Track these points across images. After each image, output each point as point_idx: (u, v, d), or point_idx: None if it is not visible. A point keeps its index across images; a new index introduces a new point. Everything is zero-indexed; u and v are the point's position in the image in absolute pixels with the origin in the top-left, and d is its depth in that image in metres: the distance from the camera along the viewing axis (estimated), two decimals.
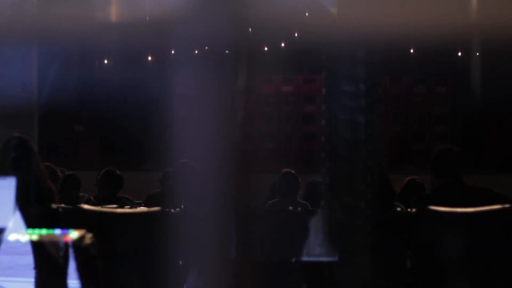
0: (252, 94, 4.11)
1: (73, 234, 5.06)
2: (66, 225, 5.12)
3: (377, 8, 3.92)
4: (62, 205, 5.47)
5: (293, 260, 5.58)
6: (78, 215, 5.32)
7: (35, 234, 5.07)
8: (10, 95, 11.07)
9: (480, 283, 4.90)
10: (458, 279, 4.87)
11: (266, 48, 12.54)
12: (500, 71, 11.43)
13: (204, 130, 3.99)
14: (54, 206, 5.33)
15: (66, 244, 5.17)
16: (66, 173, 7.60)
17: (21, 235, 5.08)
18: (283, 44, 12.64)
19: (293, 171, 6.97)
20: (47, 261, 5.23)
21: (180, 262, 5.29)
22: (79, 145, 13.79)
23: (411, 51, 12.68)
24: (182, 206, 5.10)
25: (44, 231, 5.08)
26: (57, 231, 5.08)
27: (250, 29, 4.11)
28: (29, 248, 5.23)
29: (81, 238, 5.06)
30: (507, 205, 4.95)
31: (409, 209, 5.36)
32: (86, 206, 5.55)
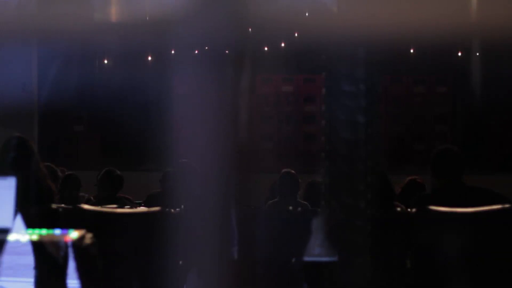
0: (252, 94, 4.11)
1: (73, 234, 5.06)
2: (66, 225, 5.12)
3: (377, 8, 3.92)
4: (62, 205, 5.47)
5: (293, 260, 5.58)
6: (78, 215, 5.32)
7: (35, 234, 5.07)
8: (10, 95, 11.07)
9: (480, 283, 4.90)
10: (458, 279, 4.87)
11: (266, 48, 12.54)
12: (500, 71, 11.43)
13: (204, 130, 3.99)
14: (54, 206, 5.33)
15: (66, 244, 5.17)
16: (66, 173, 7.61)
17: (21, 235, 5.08)
18: (283, 44, 12.64)
19: (293, 171, 6.97)
20: (47, 261, 5.23)
21: (180, 262, 5.29)
22: (79, 145, 13.80)
23: (411, 51, 12.68)
24: (182, 206, 5.10)
25: (44, 231, 5.08)
26: (57, 231, 5.08)
27: (250, 29, 4.11)
28: (29, 248, 5.23)
29: (81, 238, 5.06)
30: (507, 205, 4.95)
31: (409, 209, 5.36)
32: (86, 206, 5.55)
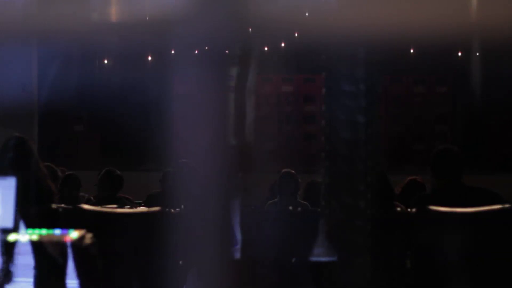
0: (252, 94, 4.11)
1: (73, 234, 5.05)
2: (66, 225, 5.11)
3: (377, 8, 3.92)
4: (62, 205, 5.47)
5: (293, 260, 5.58)
6: (78, 215, 5.32)
7: (35, 234, 5.07)
8: (10, 95, 11.06)
9: (480, 283, 4.90)
10: (458, 279, 4.87)
11: (266, 48, 12.53)
12: (500, 71, 11.42)
13: (204, 130, 3.99)
14: (54, 206, 5.32)
15: (66, 244, 5.17)
16: (66, 173, 7.60)
17: (21, 235, 5.08)
18: (283, 44, 12.64)
19: (293, 171, 6.97)
20: (47, 261, 5.23)
21: (180, 262, 5.29)
22: (79, 145, 13.79)
23: (411, 51, 12.67)
24: (182, 206, 5.10)
25: (44, 231, 5.08)
26: (57, 231, 5.08)
27: (250, 29, 4.11)
28: (29, 248, 5.23)
29: (81, 238, 5.05)
30: (507, 205, 4.95)
31: (409, 209, 5.35)
32: (86, 206, 5.55)
